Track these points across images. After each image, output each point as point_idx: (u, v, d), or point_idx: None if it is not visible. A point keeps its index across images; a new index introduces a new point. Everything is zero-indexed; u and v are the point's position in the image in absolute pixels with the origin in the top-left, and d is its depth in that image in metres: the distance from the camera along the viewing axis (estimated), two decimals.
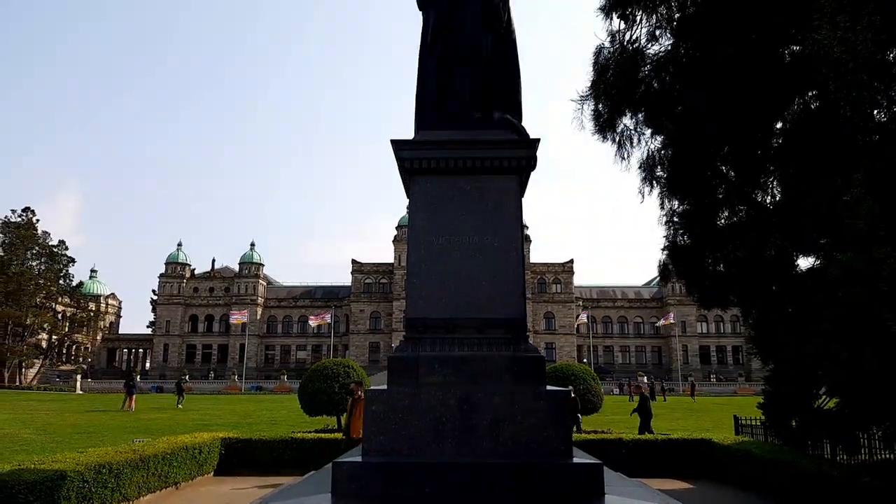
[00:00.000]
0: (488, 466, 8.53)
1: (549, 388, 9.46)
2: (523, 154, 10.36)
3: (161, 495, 11.26)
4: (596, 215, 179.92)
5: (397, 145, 10.56)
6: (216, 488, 12.27)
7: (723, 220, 10.49)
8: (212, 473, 13.55)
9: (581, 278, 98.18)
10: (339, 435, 16.10)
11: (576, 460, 8.79)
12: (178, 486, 11.97)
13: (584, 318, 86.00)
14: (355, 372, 20.73)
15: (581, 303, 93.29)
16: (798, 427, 11.91)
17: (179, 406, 39.45)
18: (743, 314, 11.54)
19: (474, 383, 9.66)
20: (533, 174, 11.18)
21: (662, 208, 11.25)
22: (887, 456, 11.02)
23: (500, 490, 8.38)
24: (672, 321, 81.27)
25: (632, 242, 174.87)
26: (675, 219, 11.36)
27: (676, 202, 11.35)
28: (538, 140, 10.44)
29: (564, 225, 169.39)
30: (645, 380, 64.94)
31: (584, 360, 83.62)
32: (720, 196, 10.57)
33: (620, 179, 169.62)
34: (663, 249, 11.26)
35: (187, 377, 66.82)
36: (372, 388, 10.01)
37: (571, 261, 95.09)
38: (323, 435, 15.84)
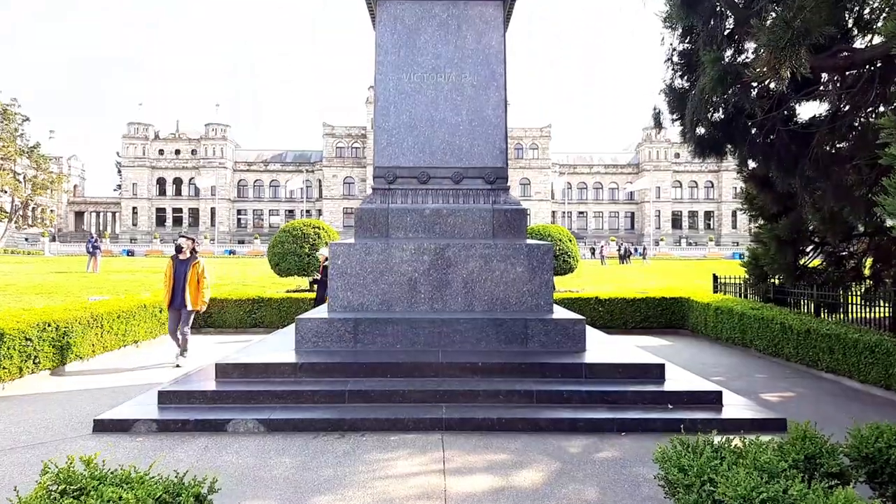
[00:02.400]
0: (466, 322, 7.99)
1: (529, 241, 8.78)
2: None
3: (119, 353, 10.74)
4: (576, 77, 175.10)
5: None
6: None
7: (725, 61, 9.45)
8: None
9: (558, 144, 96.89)
10: (312, 295, 15.63)
11: (556, 315, 8.30)
12: (137, 344, 11.46)
13: (557, 184, 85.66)
14: (326, 233, 20.02)
15: (558, 168, 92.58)
16: (781, 284, 11.63)
17: None
18: (739, 165, 10.85)
19: (450, 237, 8.92)
20: (512, 28, 9.74)
21: (662, 44, 10.13)
22: (867, 314, 10.84)
23: (480, 345, 7.88)
24: (644, 186, 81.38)
25: (611, 109, 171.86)
26: (675, 58, 10.31)
27: (677, 39, 10.25)
28: None
29: (543, 89, 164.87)
30: (613, 244, 66.45)
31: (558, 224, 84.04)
32: (726, 32, 9.46)
33: (605, 37, 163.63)
34: (660, 93, 10.30)
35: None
36: (337, 241, 9.26)
37: (549, 126, 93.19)
38: (293, 295, 15.37)
